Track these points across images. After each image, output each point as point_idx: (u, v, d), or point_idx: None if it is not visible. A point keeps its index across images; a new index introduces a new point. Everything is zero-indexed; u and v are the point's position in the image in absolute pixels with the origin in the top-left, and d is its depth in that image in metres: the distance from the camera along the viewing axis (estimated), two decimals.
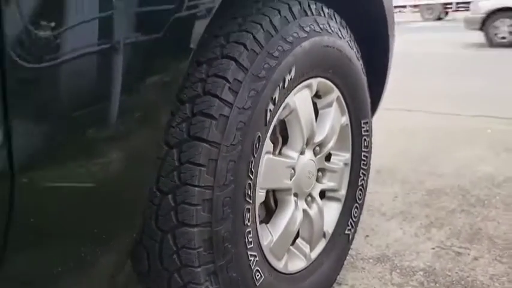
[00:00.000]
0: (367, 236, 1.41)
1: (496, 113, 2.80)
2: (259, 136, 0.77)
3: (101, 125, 0.55)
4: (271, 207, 0.94)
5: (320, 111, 1.03)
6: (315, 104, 1.00)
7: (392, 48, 1.25)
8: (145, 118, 0.60)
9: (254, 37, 0.75)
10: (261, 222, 0.88)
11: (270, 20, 0.78)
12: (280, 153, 0.91)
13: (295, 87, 0.87)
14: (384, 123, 2.08)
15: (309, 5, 0.89)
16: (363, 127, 1.15)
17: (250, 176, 0.76)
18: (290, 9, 0.83)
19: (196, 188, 0.69)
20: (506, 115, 2.75)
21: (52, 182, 0.52)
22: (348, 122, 1.10)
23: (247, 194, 0.77)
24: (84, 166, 0.54)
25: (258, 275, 0.82)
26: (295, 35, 0.82)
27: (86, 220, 0.58)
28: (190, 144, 0.69)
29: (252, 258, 0.80)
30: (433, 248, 1.32)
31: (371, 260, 1.28)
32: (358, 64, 1.07)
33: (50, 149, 0.51)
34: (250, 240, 0.79)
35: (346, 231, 1.14)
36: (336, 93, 1.03)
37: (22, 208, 0.49)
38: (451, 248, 1.32)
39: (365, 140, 1.17)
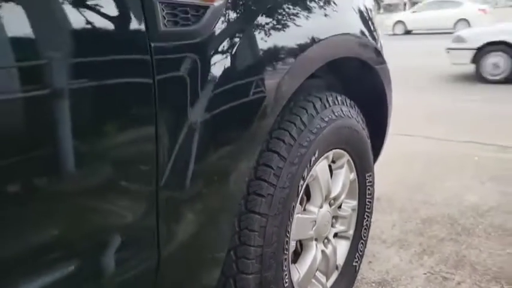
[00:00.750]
0: (370, 262, 1.69)
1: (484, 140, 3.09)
2: (293, 205, 1.05)
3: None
4: (298, 251, 1.22)
5: (334, 172, 1.31)
6: (330, 167, 1.28)
7: (390, 113, 1.53)
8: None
9: (290, 134, 1.03)
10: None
11: (301, 119, 1.06)
12: (305, 210, 1.19)
13: (318, 162, 1.15)
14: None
15: (327, 99, 1.17)
16: (367, 179, 1.44)
17: (287, 235, 1.05)
18: (314, 106, 1.11)
19: (251, 247, 0.97)
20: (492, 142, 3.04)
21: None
22: (356, 177, 1.38)
23: (285, 247, 1.05)
24: None
25: None
26: (318, 126, 1.10)
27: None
28: (247, 216, 0.97)
29: None
30: (425, 274, 1.60)
31: (373, 284, 1.56)
32: (363, 133, 1.35)
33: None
34: (286, 280, 1.08)
35: (354, 263, 1.43)
36: (346, 157, 1.31)
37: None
38: (439, 274, 1.60)
39: (369, 189, 1.45)
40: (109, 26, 0.64)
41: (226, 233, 0.93)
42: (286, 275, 1.07)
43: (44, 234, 0.62)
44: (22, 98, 0.56)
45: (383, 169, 2.07)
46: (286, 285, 1.08)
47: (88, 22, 0.61)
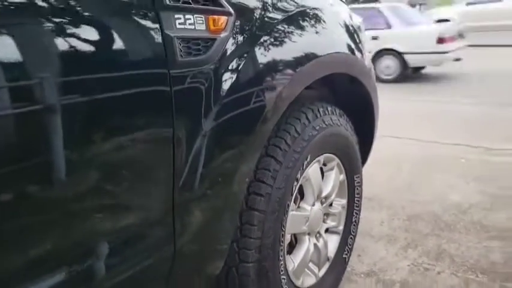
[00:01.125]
0: (359, 255, 1.85)
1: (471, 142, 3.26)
2: (288, 203, 1.21)
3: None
4: (292, 243, 1.38)
5: (325, 173, 1.46)
6: (321, 169, 1.44)
7: (377, 121, 1.69)
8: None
9: (285, 141, 1.19)
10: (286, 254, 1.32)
11: (295, 128, 1.22)
12: (299, 207, 1.35)
13: (310, 165, 1.31)
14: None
15: (318, 110, 1.32)
16: (356, 180, 1.59)
17: (283, 229, 1.20)
18: (306, 116, 1.27)
19: (251, 239, 1.12)
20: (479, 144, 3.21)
21: None
22: (345, 178, 1.54)
23: (281, 240, 1.21)
24: None
25: None
26: (310, 134, 1.26)
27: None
28: (248, 212, 1.12)
29: (283, 280, 1.24)
30: (408, 265, 1.76)
31: (362, 275, 1.72)
32: (352, 139, 1.51)
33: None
34: (281, 269, 1.23)
35: (344, 255, 1.59)
36: (336, 160, 1.47)
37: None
38: (422, 265, 1.76)
39: (357, 188, 1.61)
40: (138, 56, 0.80)
41: (230, 227, 1.09)
42: (282, 264, 1.23)
43: (87, 227, 0.78)
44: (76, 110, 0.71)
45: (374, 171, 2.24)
46: (282, 273, 1.23)
47: (123, 53, 0.77)
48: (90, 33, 0.72)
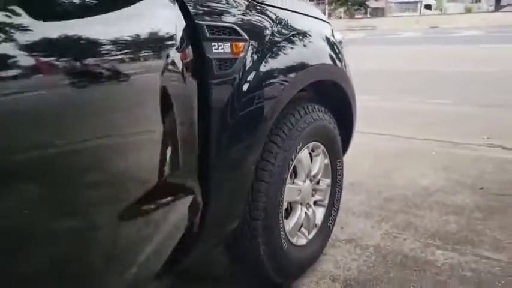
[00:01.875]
0: (342, 227, 2.26)
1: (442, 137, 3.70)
2: (285, 177, 1.62)
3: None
4: (288, 210, 1.79)
5: (313, 158, 1.88)
6: (310, 154, 1.85)
7: (356, 116, 2.11)
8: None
9: (283, 131, 1.60)
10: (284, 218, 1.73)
11: (290, 122, 1.63)
12: (293, 182, 1.76)
13: (301, 150, 1.72)
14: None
15: (308, 108, 1.74)
16: (338, 164, 2.01)
17: (281, 196, 1.61)
18: (299, 113, 1.68)
19: (260, 203, 1.53)
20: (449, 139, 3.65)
21: None
22: (329, 162, 1.96)
23: (280, 205, 1.61)
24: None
25: (284, 244, 1.66)
26: (302, 126, 1.67)
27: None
28: (257, 183, 1.53)
29: (282, 235, 1.65)
30: (381, 234, 2.18)
31: (343, 241, 2.13)
32: (334, 131, 1.92)
33: None
34: (281, 227, 1.64)
35: (329, 224, 2.00)
36: (322, 147, 1.89)
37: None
38: (392, 234, 2.18)
39: (339, 171, 2.03)
40: (190, 74, 1.20)
41: (244, 194, 1.49)
42: (281, 223, 1.64)
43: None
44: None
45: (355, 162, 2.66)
46: (281, 230, 1.64)
47: (173, 71, 1.17)
48: (158, 59, 1.12)
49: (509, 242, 2.06)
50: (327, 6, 37.12)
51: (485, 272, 1.83)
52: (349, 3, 30.54)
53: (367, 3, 29.18)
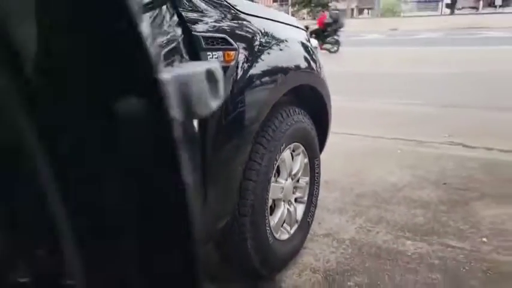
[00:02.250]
0: (319, 223, 2.40)
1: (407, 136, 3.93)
2: (270, 176, 1.73)
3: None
4: (273, 207, 1.91)
5: (294, 157, 2.00)
6: (291, 154, 1.97)
7: (331, 118, 2.26)
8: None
9: (268, 134, 1.71)
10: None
11: (274, 124, 1.75)
12: (277, 181, 1.88)
13: (284, 150, 1.84)
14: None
15: (289, 111, 1.86)
16: (315, 163, 2.15)
17: (267, 194, 1.73)
18: (282, 115, 1.80)
19: (248, 201, 1.64)
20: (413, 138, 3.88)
21: None
22: (308, 161, 2.09)
23: (266, 202, 1.73)
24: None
25: (270, 239, 1.78)
26: (284, 128, 1.79)
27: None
28: (245, 182, 1.64)
29: (267, 231, 1.76)
30: (356, 228, 2.33)
31: (321, 236, 2.27)
32: (312, 132, 2.06)
33: None
34: (267, 222, 1.76)
35: (308, 219, 2.13)
36: (302, 148, 2.01)
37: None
38: (365, 228, 2.34)
39: (316, 169, 2.16)
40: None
41: (234, 193, 1.60)
42: (267, 219, 1.75)
43: None
44: None
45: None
46: (267, 225, 1.76)
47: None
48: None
49: (471, 231, 2.25)
50: (290, 7, 37.60)
51: (450, 259, 2.01)
52: (312, 5, 31.09)
53: (329, 4, 29.78)
